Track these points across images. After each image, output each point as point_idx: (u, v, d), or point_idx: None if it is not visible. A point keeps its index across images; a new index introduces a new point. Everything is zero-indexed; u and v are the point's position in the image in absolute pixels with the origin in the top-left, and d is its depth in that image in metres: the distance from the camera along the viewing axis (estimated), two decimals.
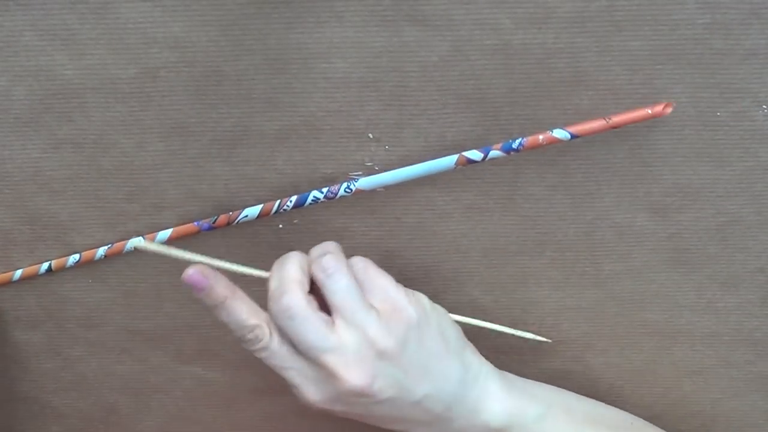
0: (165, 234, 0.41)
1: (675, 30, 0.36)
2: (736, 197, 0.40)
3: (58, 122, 0.39)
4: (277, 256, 0.42)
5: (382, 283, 0.37)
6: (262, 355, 0.36)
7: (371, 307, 0.36)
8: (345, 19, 0.36)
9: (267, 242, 0.42)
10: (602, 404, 0.44)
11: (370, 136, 0.39)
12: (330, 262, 0.36)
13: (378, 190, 0.40)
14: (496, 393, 0.38)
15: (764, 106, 0.38)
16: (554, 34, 0.37)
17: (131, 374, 0.46)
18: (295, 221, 0.41)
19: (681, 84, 0.38)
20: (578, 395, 0.43)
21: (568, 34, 0.37)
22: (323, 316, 0.35)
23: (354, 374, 0.34)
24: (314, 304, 0.35)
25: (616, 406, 0.45)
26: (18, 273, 0.42)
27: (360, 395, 0.35)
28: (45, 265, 0.42)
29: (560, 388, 0.42)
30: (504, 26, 0.36)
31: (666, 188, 0.40)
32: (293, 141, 0.39)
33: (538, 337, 0.43)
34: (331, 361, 0.34)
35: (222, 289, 0.36)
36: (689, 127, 0.39)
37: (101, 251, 0.42)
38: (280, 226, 0.41)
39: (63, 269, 0.42)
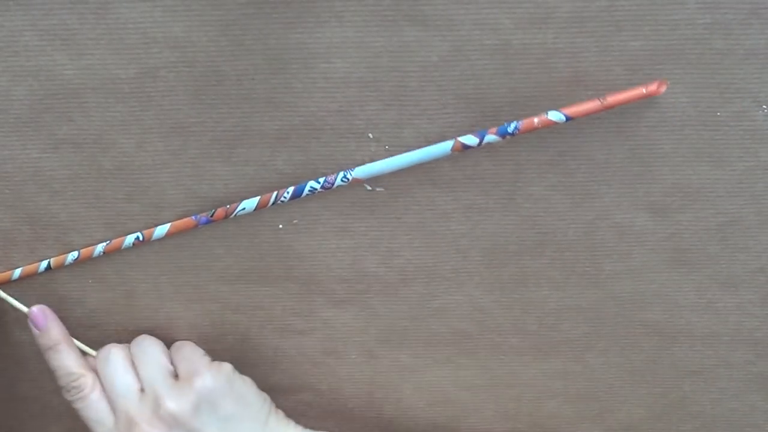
0: (163, 229, 0.41)
1: (675, 30, 0.36)
2: (736, 197, 0.40)
3: (58, 122, 0.39)
4: (277, 256, 0.42)
5: (187, 352, 0.42)
6: (80, 405, 0.40)
7: (169, 375, 0.40)
8: (345, 19, 0.36)
9: (267, 243, 0.42)
10: None
11: (370, 136, 0.39)
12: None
13: (378, 190, 0.41)
14: None
15: (764, 106, 0.38)
16: (554, 34, 0.37)
17: None
18: (294, 221, 0.41)
19: (681, 84, 0.38)
20: None
21: (568, 34, 0.37)
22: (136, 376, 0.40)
23: (149, 428, 0.39)
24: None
25: (616, 406, 0.45)
26: (17, 272, 0.42)
27: None
28: (44, 263, 0.42)
29: None
30: (504, 26, 0.36)
31: (666, 188, 0.40)
32: (293, 141, 0.39)
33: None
34: (133, 410, 0.39)
35: (58, 334, 0.41)
36: (689, 127, 0.39)
37: (100, 248, 0.42)
38: (280, 226, 0.42)
39: (62, 267, 0.42)
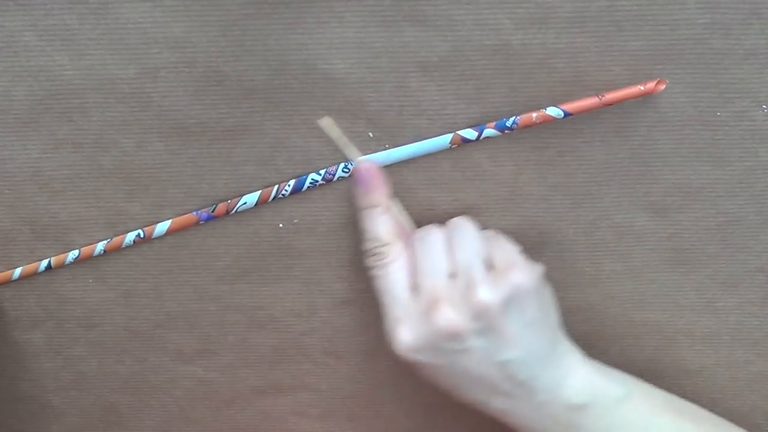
0: (164, 226, 0.41)
1: (675, 30, 0.36)
2: (736, 197, 0.40)
3: (58, 122, 0.39)
4: (278, 255, 0.42)
5: (507, 246, 0.38)
6: (379, 273, 0.38)
7: (483, 263, 0.37)
8: (345, 19, 0.36)
9: (267, 242, 0.42)
10: (682, 399, 0.43)
11: (371, 135, 0.39)
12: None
13: None
14: (580, 371, 0.38)
15: (764, 106, 0.38)
16: (554, 34, 0.37)
17: (131, 374, 0.46)
18: (295, 221, 0.41)
19: (681, 84, 0.38)
20: (659, 387, 0.42)
21: (568, 34, 0.37)
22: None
23: (452, 311, 0.36)
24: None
25: None
26: (18, 271, 0.42)
27: (451, 335, 0.36)
28: (44, 263, 0.42)
29: (641, 379, 0.42)
30: (504, 26, 0.36)
31: (666, 188, 0.40)
32: (293, 141, 0.39)
33: None
34: (441, 291, 0.36)
35: (381, 197, 0.39)
36: (689, 127, 0.39)
37: (101, 246, 0.42)
38: (280, 225, 0.42)
39: (62, 266, 0.42)
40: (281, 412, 0.47)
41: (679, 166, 0.40)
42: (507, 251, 0.38)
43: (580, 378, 0.38)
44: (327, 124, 0.38)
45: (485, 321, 0.36)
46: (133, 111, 0.39)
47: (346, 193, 0.41)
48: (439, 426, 0.47)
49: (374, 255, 0.38)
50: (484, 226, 0.41)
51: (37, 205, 0.41)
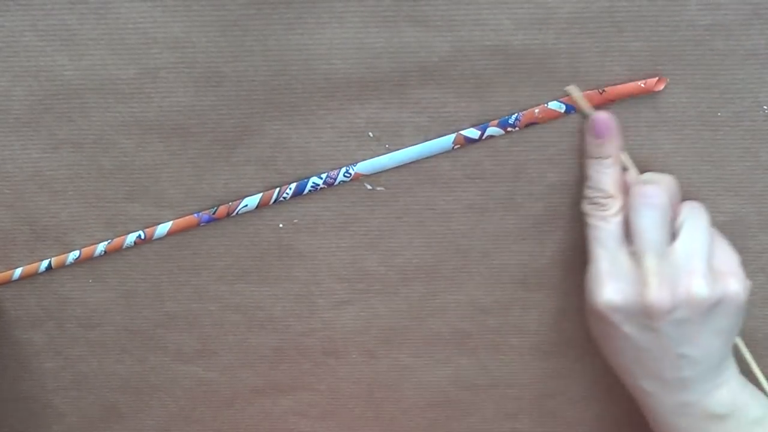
0: (164, 227, 0.41)
1: (676, 31, 0.36)
2: (736, 197, 0.40)
3: (58, 122, 0.39)
4: (277, 256, 0.42)
5: (730, 252, 0.38)
6: (595, 222, 0.37)
7: (709, 259, 0.37)
8: (345, 19, 0.36)
9: (267, 242, 0.42)
10: None
11: (371, 135, 0.39)
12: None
13: (378, 189, 0.41)
14: (733, 385, 0.39)
15: (764, 106, 0.38)
16: (554, 35, 0.37)
17: (131, 374, 0.46)
18: (295, 221, 0.41)
19: (681, 84, 0.38)
20: None
21: (569, 35, 0.37)
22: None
23: (662, 292, 0.35)
24: None
25: (616, 407, 0.45)
26: (18, 271, 0.42)
27: (654, 314, 0.35)
28: (45, 263, 0.42)
29: None
30: (504, 26, 0.36)
31: None
32: (293, 141, 0.39)
33: None
34: (652, 266, 0.35)
35: (614, 149, 0.38)
36: (689, 127, 0.39)
37: (101, 247, 0.42)
38: (281, 225, 0.42)
39: (63, 267, 0.42)
40: (281, 412, 0.47)
41: (679, 166, 0.40)
42: (729, 256, 0.38)
43: (728, 390, 0.38)
44: (573, 90, 0.37)
45: (688, 313, 0.35)
46: (133, 111, 0.39)
47: (346, 194, 0.41)
48: (439, 426, 0.47)
49: (595, 204, 0.38)
50: (484, 226, 0.41)
51: (37, 205, 0.41)
